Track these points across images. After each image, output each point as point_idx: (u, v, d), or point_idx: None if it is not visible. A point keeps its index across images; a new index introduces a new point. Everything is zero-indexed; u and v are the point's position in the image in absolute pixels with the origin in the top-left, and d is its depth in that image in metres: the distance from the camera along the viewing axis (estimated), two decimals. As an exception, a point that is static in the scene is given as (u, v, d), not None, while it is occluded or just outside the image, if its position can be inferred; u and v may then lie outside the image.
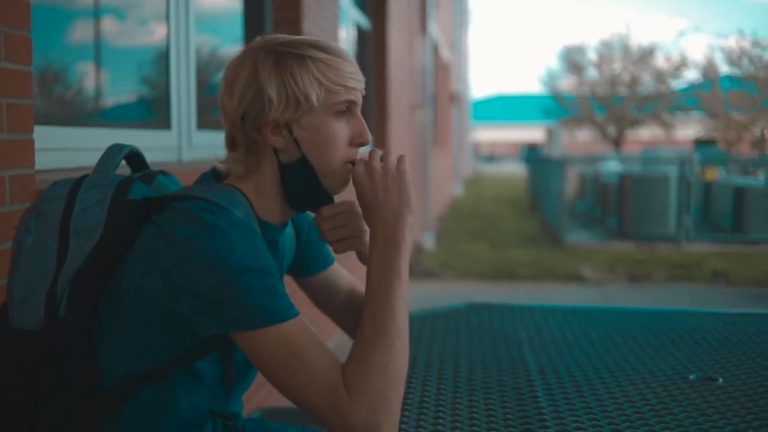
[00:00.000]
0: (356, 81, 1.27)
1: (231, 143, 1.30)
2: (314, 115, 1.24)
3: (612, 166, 14.87)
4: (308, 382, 1.10)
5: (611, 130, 31.87)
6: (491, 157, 57.73)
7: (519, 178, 29.98)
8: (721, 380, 1.44)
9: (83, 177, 1.33)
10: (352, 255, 1.43)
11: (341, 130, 1.26)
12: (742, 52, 26.59)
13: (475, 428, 1.19)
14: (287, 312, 1.13)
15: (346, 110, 1.26)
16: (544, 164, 14.73)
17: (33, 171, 1.75)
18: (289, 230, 1.47)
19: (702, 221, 11.68)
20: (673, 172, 11.11)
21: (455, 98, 19.65)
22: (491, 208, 16.56)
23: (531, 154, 23.13)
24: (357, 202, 1.32)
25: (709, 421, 1.23)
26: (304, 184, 1.28)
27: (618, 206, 11.66)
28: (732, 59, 26.86)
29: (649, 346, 1.68)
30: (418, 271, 8.13)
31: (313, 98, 1.22)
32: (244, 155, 1.28)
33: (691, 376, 1.46)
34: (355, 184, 1.25)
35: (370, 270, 1.19)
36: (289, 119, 1.23)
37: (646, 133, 32.92)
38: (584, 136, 34.05)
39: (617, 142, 31.52)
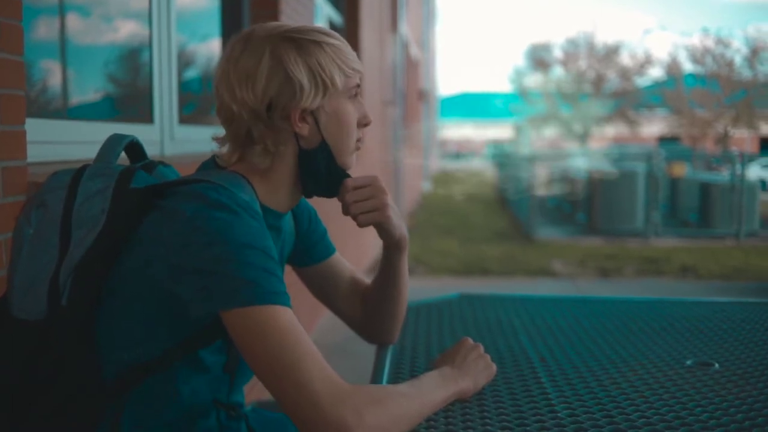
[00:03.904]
0: (360, 65, 1.30)
1: (243, 139, 1.27)
2: (335, 99, 1.26)
3: (580, 163, 15.01)
4: (308, 370, 1.07)
5: (577, 127, 32.22)
6: (458, 154, 57.93)
7: (487, 174, 30.09)
8: (716, 365, 1.47)
9: (84, 167, 1.32)
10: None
11: (354, 112, 1.30)
12: (706, 50, 27.04)
13: (486, 414, 1.20)
14: (283, 298, 1.11)
15: (356, 94, 1.29)
16: (514, 161, 14.84)
17: (25, 163, 1.72)
18: (289, 219, 1.47)
19: (669, 217, 11.86)
20: (640, 168, 11.25)
21: (423, 96, 19.71)
22: (461, 205, 16.63)
23: (499, 150, 23.26)
24: (379, 178, 1.34)
25: (712, 403, 1.25)
26: (322, 168, 1.28)
27: (587, 202, 11.79)
28: (696, 57, 27.34)
29: (642, 333, 1.71)
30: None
31: (338, 82, 1.24)
32: (263, 149, 1.26)
33: (688, 362, 1.49)
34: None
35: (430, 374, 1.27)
36: (318, 105, 1.24)
37: (612, 130, 33.32)
38: (550, 133, 34.35)
39: (583, 139, 31.85)
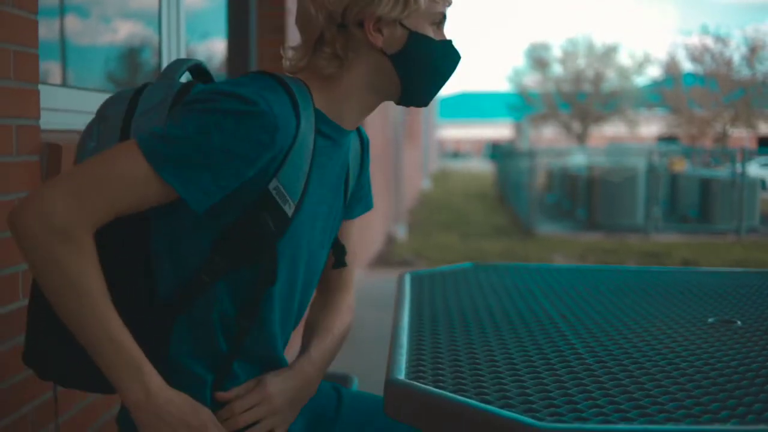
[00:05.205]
0: None
1: (314, 44, 1.25)
2: (416, 19, 1.24)
3: (579, 160, 15.02)
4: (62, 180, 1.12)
5: (576, 126, 32.22)
6: (456, 154, 57.95)
7: (485, 174, 30.09)
8: (739, 322, 1.46)
9: (146, 84, 1.30)
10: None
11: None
12: (705, 49, 27.05)
13: (513, 362, 1.19)
14: (167, 171, 1.11)
15: (439, 23, 1.28)
16: (514, 157, 14.84)
17: (38, 123, 1.71)
18: (354, 144, 1.42)
19: (669, 213, 11.85)
20: (641, 163, 11.25)
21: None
22: (460, 202, 16.62)
23: (498, 149, 23.29)
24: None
25: (739, 353, 1.24)
26: (423, 63, 1.26)
27: (586, 198, 11.79)
28: (694, 56, 27.33)
29: (660, 297, 1.70)
30: (392, 261, 8.15)
31: (421, 1, 1.22)
32: (332, 53, 1.24)
33: (710, 320, 1.48)
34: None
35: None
36: (396, 17, 1.22)
37: (610, 129, 33.34)
38: (549, 132, 34.36)
39: (582, 138, 31.86)
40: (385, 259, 8.29)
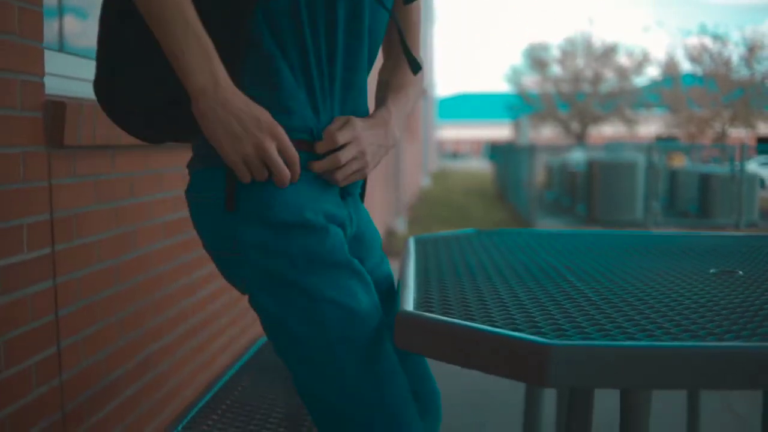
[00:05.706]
0: None
1: None
2: None
3: (579, 156, 15.02)
4: None
5: (575, 126, 32.25)
6: (455, 154, 57.96)
7: (484, 173, 30.11)
8: (741, 272, 1.47)
9: None
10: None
11: None
12: (703, 49, 27.08)
13: (517, 295, 1.20)
14: None
15: None
16: (514, 153, 14.86)
17: (42, 80, 1.71)
18: None
19: (668, 208, 11.86)
20: (640, 158, 11.27)
21: (423, 91, 19.72)
22: (460, 199, 16.62)
23: (497, 148, 23.32)
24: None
25: (742, 294, 1.25)
26: None
27: (586, 194, 11.80)
28: (693, 56, 27.36)
29: (663, 255, 1.71)
30: (392, 251, 8.15)
31: None
32: None
33: (711, 270, 1.48)
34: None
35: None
36: None
37: (609, 129, 33.38)
38: (548, 132, 34.39)
39: (581, 138, 31.89)
40: (385, 250, 8.31)
